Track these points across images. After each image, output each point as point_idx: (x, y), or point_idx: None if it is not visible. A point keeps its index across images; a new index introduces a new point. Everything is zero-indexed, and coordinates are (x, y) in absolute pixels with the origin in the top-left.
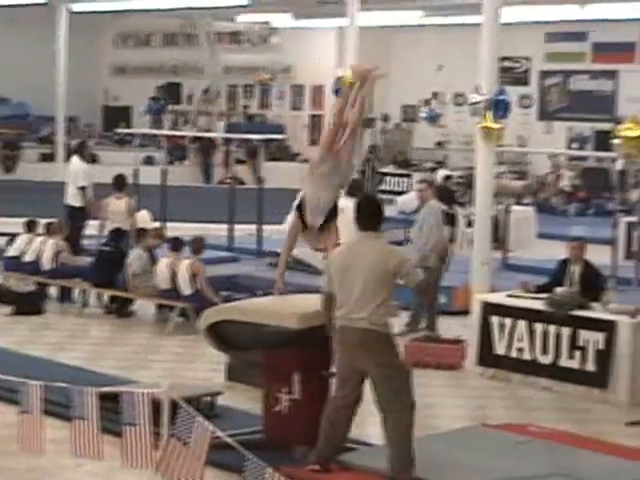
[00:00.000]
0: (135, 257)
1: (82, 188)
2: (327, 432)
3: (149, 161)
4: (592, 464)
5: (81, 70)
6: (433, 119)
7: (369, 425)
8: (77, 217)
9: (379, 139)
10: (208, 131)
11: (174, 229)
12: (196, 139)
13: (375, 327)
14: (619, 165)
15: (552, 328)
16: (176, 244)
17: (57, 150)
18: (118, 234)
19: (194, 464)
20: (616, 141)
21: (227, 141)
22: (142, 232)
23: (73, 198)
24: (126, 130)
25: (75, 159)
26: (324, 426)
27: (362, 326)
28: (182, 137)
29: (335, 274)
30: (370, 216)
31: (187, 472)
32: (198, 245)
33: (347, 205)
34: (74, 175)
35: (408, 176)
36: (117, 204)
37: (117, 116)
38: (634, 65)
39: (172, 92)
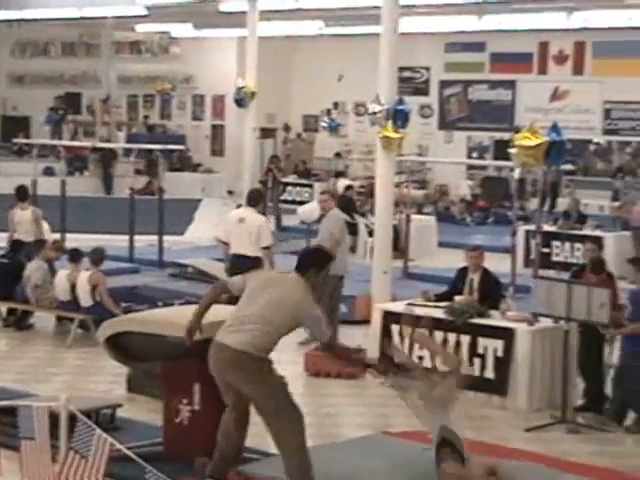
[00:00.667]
0: (34, 268)
1: None
2: (220, 444)
3: (49, 172)
4: None
5: None
6: (333, 129)
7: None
8: None
9: (280, 149)
10: (108, 141)
11: (73, 240)
12: (96, 150)
13: (250, 349)
14: (517, 174)
15: (452, 336)
16: (75, 255)
17: None
18: (17, 245)
19: (93, 477)
20: (513, 150)
21: (128, 152)
22: (41, 243)
23: None
24: (24, 140)
25: None
26: (218, 438)
27: (237, 347)
28: (82, 148)
29: (247, 291)
30: (303, 258)
31: None
32: (98, 256)
33: (247, 215)
34: None
35: (309, 186)
36: (22, 214)
37: (15, 126)
38: (531, 75)
39: (72, 102)
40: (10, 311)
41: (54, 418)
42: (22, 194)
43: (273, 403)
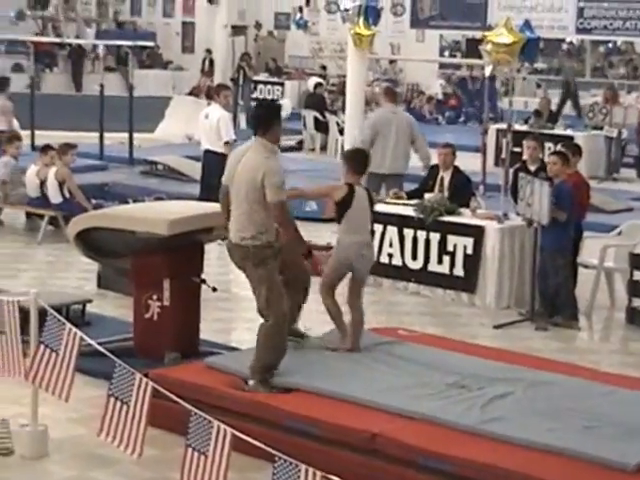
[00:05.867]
0: (2, 164)
1: None
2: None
3: (17, 68)
4: (460, 365)
5: None
6: (302, 26)
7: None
8: None
9: (252, 47)
10: (77, 38)
11: (43, 137)
12: (64, 46)
13: (240, 241)
14: (488, 72)
15: (422, 234)
16: (45, 149)
17: None
18: None
19: (64, 371)
20: (487, 47)
21: (96, 48)
22: (11, 138)
23: None
24: None
25: None
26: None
27: (232, 239)
28: (50, 44)
29: (226, 176)
30: (256, 118)
31: (57, 379)
32: (62, 149)
33: (210, 110)
34: None
35: (281, 84)
36: None
37: None
38: None
39: None
40: None
41: (24, 313)
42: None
43: (262, 295)
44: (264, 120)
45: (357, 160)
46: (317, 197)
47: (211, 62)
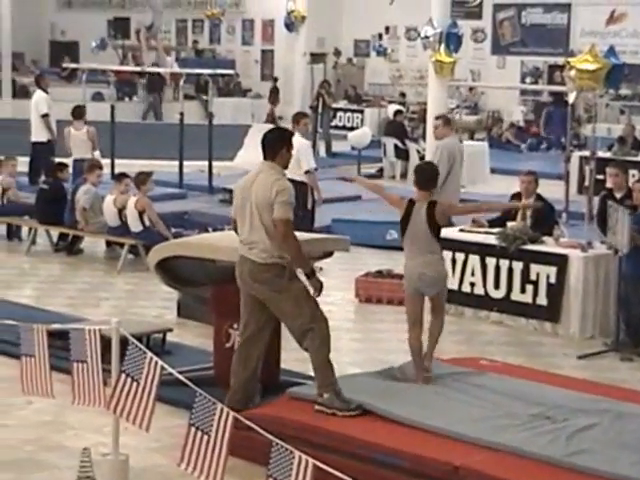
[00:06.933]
0: (82, 192)
1: (45, 115)
2: (234, 369)
3: (98, 97)
4: (543, 395)
5: (27, 4)
6: (381, 53)
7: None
8: (43, 152)
9: (330, 74)
10: (156, 66)
11: (123, 166)
12: (144, 74)
13: (265, 260)
14: (572, 98)
15: (504, 262)
16: (119, 177)
17: (2, 87)
18: (58, 168)
19: (144, 400)
20: (571, 73)
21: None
22: (93, 166)
23: (38, 132)
24: (73, 65)
25: (37, 91)
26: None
27: (253, 258)
28: (131, 73)
29: (235, 203)
30: (266, 143)
31: (137, 408)
32: (141, 179)
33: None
34: (35, 105)
35: (360, 112)
36: (77, 135)
37: (64, 51)
38: None
39: (120, 27)
40: (61, 236)
41: (105, 342)
42: (79, 113)
43: (297, 308)
44: (273, 145)
45: (423, 174)
46: (390, 203)
47: (277, 90)
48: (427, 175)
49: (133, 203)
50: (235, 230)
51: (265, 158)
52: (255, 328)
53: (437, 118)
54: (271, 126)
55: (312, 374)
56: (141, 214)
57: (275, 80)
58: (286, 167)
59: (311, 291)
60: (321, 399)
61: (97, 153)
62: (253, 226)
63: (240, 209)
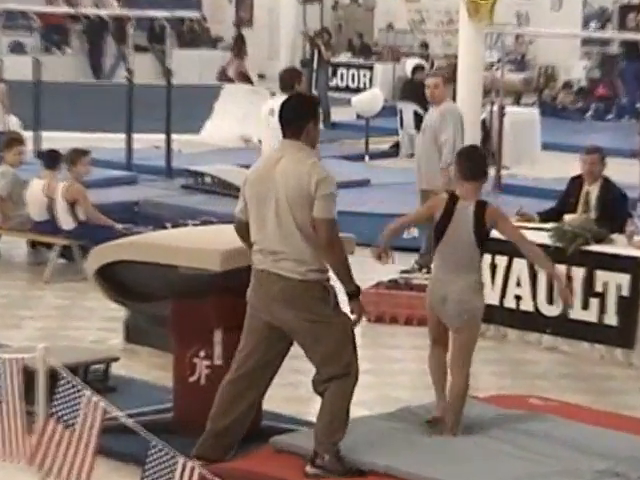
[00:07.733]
0: None
1: None
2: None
3: (18, 49)
4: (612, 445)
5: None
6: None
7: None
8: None
9: (329, 17)
10: (95, 8)
11: (51, 140)
12: (80, 18)
13: (305, 276)
14: None
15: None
16: (52, 159)
17: None
18: None
19: (81, 453)
20: None
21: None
22: (10, 140)
23: None
24: None
25: None
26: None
27: (286, 273)
28: (62, 16)
29: (247, 199)
30: (285, 116)
31: (72, 464)
32: (71, 158)
33: (278, 104)
34: None
35: (368, 68)
36: None
37: None
38: None
39: None
40: None
41: (29, 375)
42: None
43: (329, 344)
44: (297, 119)
45: (470, 159)
46: (420, 221)
47: (242, 39)
48: (476, 162)
49: (61, 191)
50: (242, 236)
51: (285, 136)
52: (260, 363)
53: (435, 75)
54: (247, 87)
55: (308, 419)
56: (73, 205)
57: (238, 27)
58: (314, 146)
59: (352, 318)
60: (320, 461)
61: (13, 119)
62: (282, 230)
63: (256, 208)
